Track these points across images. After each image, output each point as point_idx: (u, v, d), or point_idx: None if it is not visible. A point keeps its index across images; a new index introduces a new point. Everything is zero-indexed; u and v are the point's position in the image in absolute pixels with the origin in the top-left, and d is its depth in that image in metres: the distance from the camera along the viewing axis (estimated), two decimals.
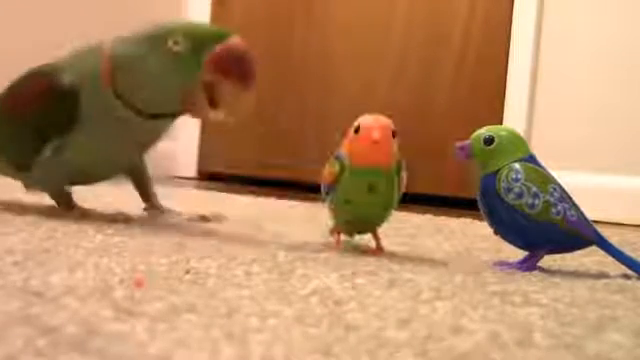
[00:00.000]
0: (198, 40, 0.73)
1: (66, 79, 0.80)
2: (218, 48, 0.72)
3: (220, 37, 0.73)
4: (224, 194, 1.44)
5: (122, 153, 0.86)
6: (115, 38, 0.80)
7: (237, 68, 0.73)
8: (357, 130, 0.71)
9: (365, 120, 0.71)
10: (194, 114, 0.77)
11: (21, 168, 0.86)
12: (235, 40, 0.73)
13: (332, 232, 0.78)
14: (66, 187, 0.88)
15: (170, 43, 0.74)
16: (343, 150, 0.73)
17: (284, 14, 1.88)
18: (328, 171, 0.74)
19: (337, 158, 0.73)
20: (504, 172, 0.71)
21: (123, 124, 0.79)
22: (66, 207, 0.87)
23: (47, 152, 0.82)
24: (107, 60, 0.78)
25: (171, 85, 0.75)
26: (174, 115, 0.80)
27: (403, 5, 1.77)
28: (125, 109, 0.78)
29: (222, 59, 0.73)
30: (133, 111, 0.78)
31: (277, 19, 1.89)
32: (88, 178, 0.88)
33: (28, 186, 0.90)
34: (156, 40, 0.75)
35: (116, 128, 0.80)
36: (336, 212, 0.75)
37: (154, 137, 0.85)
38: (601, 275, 0.71)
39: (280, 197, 1.37)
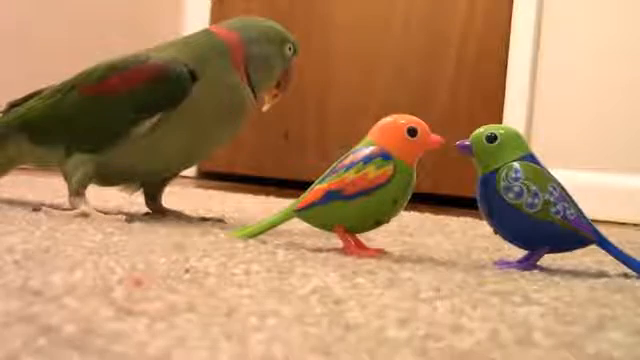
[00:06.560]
0: (296, 52, 0.93)
1: (181, 59, 0.86)
2: (293, 62, 0.93)
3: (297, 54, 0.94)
4: (223, 193, 1.44)
5: (211, 141, 0.89)
6: (227, 25, 0.92)
7: (290, 81, 0.94)
8: (414, 133, 0.72)
9: (417, 123, 0.73)
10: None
11: (93, 150, 0.85)
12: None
13: (339, 232, 0.73)
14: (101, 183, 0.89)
15: (286, 48, 0.92)
16: (389, 150, 0.72)
17: (284, 14, 1.88)
18: (380, 171, 0.71)
19: (385, 158, 0.71)
20: (504, 171, 0.71)
21: (230, 105, 0.88)
22: (79, 195, 0.85)
23: (142, 128, 0.84)
24: (237, 44, 0.89)
25: (274, 76, 0.92)
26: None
27: (403, 5, 1.77)
28: (246, 86, 0.89)
29: (290, 71, 0.93)
30: (252, 91, 0.90)
31: (277, 19, 1.89)
32: (160, 166, 0.89)
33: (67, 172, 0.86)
34: (275, 41, 0.92)
35: (224, 108, 0.88)
36: (370, 212, 0.72)
37: (233, 133, 0.91)
38: (601, 274, 0.71)
39: (279, 196, 1.37)
